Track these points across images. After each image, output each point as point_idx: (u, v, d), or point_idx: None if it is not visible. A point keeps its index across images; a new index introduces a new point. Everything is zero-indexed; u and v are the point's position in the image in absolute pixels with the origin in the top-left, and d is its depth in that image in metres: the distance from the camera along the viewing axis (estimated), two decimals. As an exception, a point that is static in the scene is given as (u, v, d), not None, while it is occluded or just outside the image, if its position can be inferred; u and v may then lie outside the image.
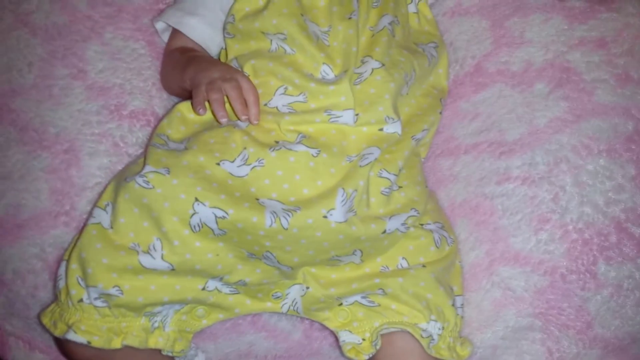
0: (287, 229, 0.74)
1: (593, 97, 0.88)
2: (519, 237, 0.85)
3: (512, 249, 0.85)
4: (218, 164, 0.76)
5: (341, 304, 0.82)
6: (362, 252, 0.80)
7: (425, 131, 0.89)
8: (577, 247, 0.83)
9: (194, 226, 0.74)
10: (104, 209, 0.78)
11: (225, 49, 0.90)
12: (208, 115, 0.82)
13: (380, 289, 0.80)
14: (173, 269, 0.75)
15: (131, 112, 0.92)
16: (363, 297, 0.81)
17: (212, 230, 0.74)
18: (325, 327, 0.86)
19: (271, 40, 0.85)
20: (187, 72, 0.84)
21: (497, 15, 0.97)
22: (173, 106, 0.86)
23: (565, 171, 0.85)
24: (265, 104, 0.83)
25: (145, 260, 0.74)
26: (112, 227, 0.76)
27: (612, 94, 0.88)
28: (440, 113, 0.93)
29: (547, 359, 0.83)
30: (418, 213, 0.82)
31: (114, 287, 0.74)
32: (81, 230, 0.80)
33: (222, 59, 0.93)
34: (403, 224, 0.80)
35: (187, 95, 0.85)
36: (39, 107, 0.90)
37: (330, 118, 0.81)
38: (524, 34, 0.94)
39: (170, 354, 0.81)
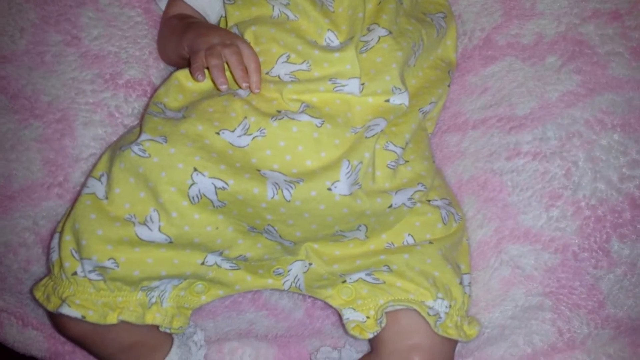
0: (289, 201, 0.71)
1: (607, 70, 0.86)
2: (529, 214, 0.83)
3: (521, 226, 0.83)
4: (218, 133, 0.74)
5: (345, 281, 0.80)
6: (366, 227, 0.77)
7: (432, 104, 0.86)
8: (590, 224, 0.81)
9: (193, 197, 0.71)
10: (99, 179, 0.76)
11: (225, 16, 0.87)
12: (207, 83, 0.79)
13: (386, 265, 0.78)
14: (171, 242, 0.73)
15: (127, 81, 0.90)
16: (367, 274, 0.79)
17: (212, 201, 0.71)
18: (327, 306, 0.84)
19: (273, 6, 0.82)
20: (185, 38, 0.81)
21: (508, -14, 0.94)
22: (170, 74, 0.83)
23: (577, 146, 0.83)
24: (267, 73, 0.80)
25: (142, 231, 0.72)
26: (107, 198, 0.74)
27: (626, 67, 0.86)
28: (449, 86, 0.91)
29: (557, 339, 0.81)
30: (425, 188, 0.80)
31: (109, 259, 0.72)
32: (75, 201, 0.77)
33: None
34: (410, 199, 0.78)
35: (185, 64, 0.82)
36: (30, 74, 0.88)
37: (335, 87, 0.78)
38: (536, 5, 0.92)
39: (168, 331, 0.79)
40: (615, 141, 0.83)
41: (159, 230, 0.72)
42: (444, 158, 0.92)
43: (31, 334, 0.87)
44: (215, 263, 0.77)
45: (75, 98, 0.87)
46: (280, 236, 0.75)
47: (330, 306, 0.81)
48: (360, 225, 0.77)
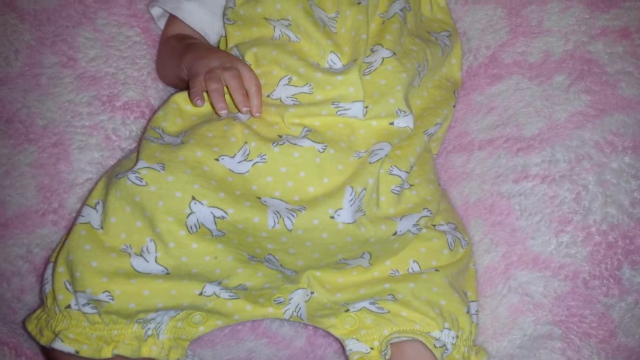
0: (291, 230, 0.69)
1: (617, 90, 0.84)
2: (538, 240, 0.82)
3: (530, 252, 0.82)
4: (217, 159, 0.72)
5: (348, 310, 0.78)
6: (370, 255, 0.76)
7: (438, 125, 0.85)
8: (601, 251, 0.80)
9: (191, 227, 0.69)
10: (94, 208, 0.74)
11: (225, 36, 0.86)
12: (206, 107, 0.78)
13: (390, 294, 0.76)
14: (168, 273, 0.71)
15: (124, 103, 0.88)
16: (371, 303, 0.77)
17: (211, 231, 0.70)
18: (330, 334, 0.82)
19: (274, 27, 0.81)
20: (184, 60, 0.80)
21: (514, 2, 0.93)
22: (169, 97, 0.82)
23: (587, 169, 0.82)
24: (268, 95, 0.78)
25: (138, 263, 0.70)
26: (102, 227, 0.73)
27: (637, 87, 0.84)
28: (454, 106, 0.89)
29: None
30: (431, 213, 0.78)
31: (104, 292, 0.70)
32: (69, 230, 0.76)
33: (222, 48, 0.89)
34: (415, 225, 0.76)
35: (184, 86, 0.81)
36: (25, 97, 0.86)
37: (338, 111, 0.76)
38: (542, 22, 0.91)
39: (165, 364, 0.76)
40: (626, 164, 0.81)
41: (156, 261, 0.70)
42: (449, 179, 0.90)
43: (25, 365, 0.85)
44: (214, 293, 0.76)
45: (71, 121, 0.86)
46: (281, 265, 0.73)
47: (333, 335, 0.79)
48: (364, 253, 0.75)
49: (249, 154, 0.73)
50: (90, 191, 0.77)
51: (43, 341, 0.72)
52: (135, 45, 0.91)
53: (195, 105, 0.74)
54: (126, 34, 0.91)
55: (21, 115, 0.85)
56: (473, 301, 0.80)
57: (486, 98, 0.90)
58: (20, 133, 0.85)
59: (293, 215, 0.69)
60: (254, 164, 0.72)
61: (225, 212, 0.68)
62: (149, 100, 0.90)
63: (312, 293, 0.77)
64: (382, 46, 0.80)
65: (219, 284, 0.74)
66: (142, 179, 0.70)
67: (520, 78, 0.89)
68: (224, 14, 0.85)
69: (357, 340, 0.77)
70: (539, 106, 0.86)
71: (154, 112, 0.85)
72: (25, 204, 0.83)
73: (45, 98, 0.86)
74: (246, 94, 0.75)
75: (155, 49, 0.92)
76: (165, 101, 0.82)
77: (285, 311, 0.78)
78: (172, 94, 0.82)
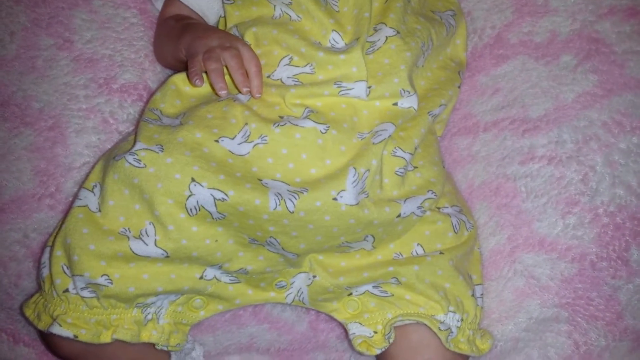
0: (293, 212, 0.68)
1: (625, 70, 0.83)
2: (545, 222, 0.81)
3: (536, 234, 0.81)
4: (217, 141, 0.71)
5: (351, 294, 0.77)
6: (374, 237, 0.74)
7: (442, 107, 0.83)
8: (608, 232, 0.79)
9: (191, 209, 0.68)
10: (92, 191, 0.73)
11: (225, 16, 0.84)
12: (205, 88, 0.76)
13: (394, 277, 0.75)
14: (167, 256, 0.70)
15: (122, 86, 0.87)
16: (375, 287, 0.77)
17: (211, 213, 0.69)
18: (332, 319, 0.82)
19: (275, 6, 0.79)
20: (183, 40, 0.79)
21: (519, -19, 0.91)
22: (167, 78, 0.81)
23: (595, 150, 0.81)
24: (269, 76, 0.77)
25: (137, 246, 0.69)
26: (100, 210, 0.72)
27: (645, 66, 0.83)
28: (459, 87, 0.88)
29: (573, 352, 0.79)
30: (435, 195, 0.77)
31: (102, 276, 0.69)
32: (66, 214, 0.75)
33: (221, 29, 0.87)
34: (419, 207, 0.75)
35: (182, 67, 0.80)
36: (21, 80, 0.85)
37: (340, 91, 0.75)
38: (549, 2, 0.89)
39: (165, 349, 0.76)
40: (634, 144, 0.80)
41: (155, 244, 0.69)
42: (453, 162, 0.89)
43: (23, 351, 0.85)
44: (215, 277, 0.75)
45: (68, 104, 0.85)
46: (283, 248, 0.72)
47: (336, 319, 0.79)
48: (367, 236, 0.74)
49: (249, 135, 0.71)
50: (88, 174, 0.76)
51: (41, 326, 0.72)
52: (132, 27, 0.90)
53: (194, 85, 0.73)
54: (123, 15, 0.90)
55: (17, 98, 0.84)
56: (478, 284, 0.79)
57: (491, 79, 0.89)
58: (16, 116, 0.84)
59: (295, 197, 0.68)
60: (255, 145, 0.71)
61: (226, 194, 0.67)
62: (147, 83, 0.89)
63: (314, 277, 0.76)
64: (386, 25, 0.79)
65: (220, 267, 0.73)
66: (140, 160, 0.69)
67: (526, 58, 0.88)
68: (223, -6, 0.84)
69: (360, 324, 0.77)
70: (546, 87, 0.85)
71: (152, 94, 0.84)
72: (21, 188, 0.82)
73: (41, 81, 0.85)
74: (246, 74, 0.73)
75: (152, 31, 0.91)
76: (163, 83, 0.81)
77: (287, 295, 0.77)
78: (170, 75, 0.81)
